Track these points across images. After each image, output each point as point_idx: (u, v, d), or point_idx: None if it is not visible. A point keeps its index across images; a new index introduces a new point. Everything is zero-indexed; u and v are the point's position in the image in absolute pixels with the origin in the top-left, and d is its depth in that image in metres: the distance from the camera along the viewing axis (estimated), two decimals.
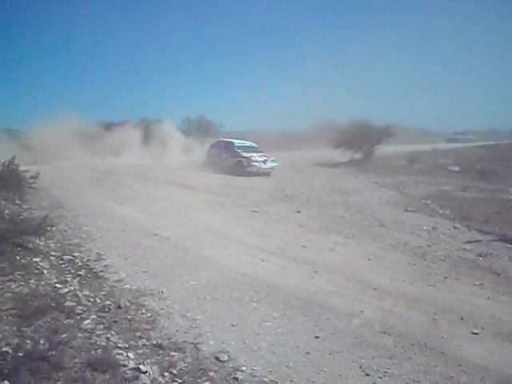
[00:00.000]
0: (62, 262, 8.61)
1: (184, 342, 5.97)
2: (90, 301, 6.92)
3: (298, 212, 15.37)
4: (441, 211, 15.55)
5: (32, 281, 7.39)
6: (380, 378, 5.39)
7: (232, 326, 6.55)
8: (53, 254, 8.97)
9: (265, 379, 5.17)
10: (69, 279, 7.73)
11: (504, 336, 6.65)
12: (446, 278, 9.11)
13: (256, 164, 24.89)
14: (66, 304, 6.56)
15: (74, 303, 6.69)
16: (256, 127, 38.10)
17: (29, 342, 5.28)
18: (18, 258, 8.28)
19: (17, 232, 8.55)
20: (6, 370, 4.56)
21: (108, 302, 6.94)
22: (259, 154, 25.83)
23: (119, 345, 5.65)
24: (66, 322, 6.05)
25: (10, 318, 5.98)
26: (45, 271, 7.92)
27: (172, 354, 5.62)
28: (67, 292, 7.09)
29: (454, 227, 13.23)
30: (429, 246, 11.38)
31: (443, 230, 13.04)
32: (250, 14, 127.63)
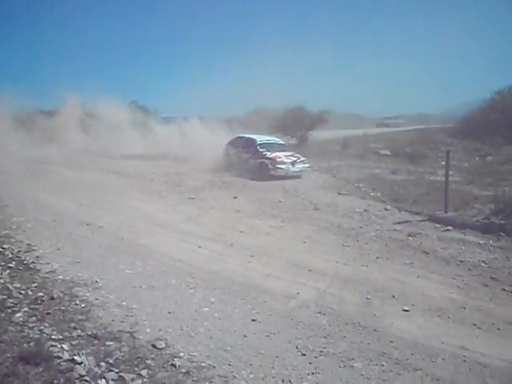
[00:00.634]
0: None
1: (120, 331, 5.89)
2: (21, 293, 6.74)
3: (235, 198, 15.42)
4: (372, 194, 16.00)
5: None
6: (316, 357, 5.50)
7: (169, 313, 6.52)
8: None
9: (202, 364, 5.18)
10: None
11: (433, 312, 6.91)
12: (377, 257, 9.39)
13: (283, 166, 19.84)
14: None
15: (5, 296, 6.51)
16: (198, 113, 37.26)
17: None
18: None
19: None
20: None
21: (40, 294, 6.78)
22: (286, 154, 20.85)
23: (53, 337, 5.51)
24: None
25: None
26: None
27: (108, 343, 5.54)
28: None
29: (385, 209, 13.64)
30: (361, 227, 11.69)
31: (375, 211, 13.43)
32: None
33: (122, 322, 6.17)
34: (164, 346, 5.55)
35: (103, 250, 9.31)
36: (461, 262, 9.10)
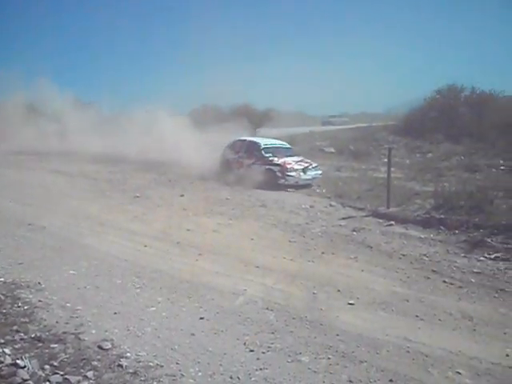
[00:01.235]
0: None
1: (65, 333, 5.77)
2: None
3: (182, 196, 15.33)
4: (318, 190, 16.27)
5: None
6: (263, 353, 5.53)
7: (115, 313, 6.42)
8: None
9: (150, 364, 5.13)
10: None
11: (377, 305, 7.08)
12: (323, 253, 9.53)
13: (293, 174, 16.96)
14: None
15: None
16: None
17: None
18: None
19: None
20: None
21: None
22: (296, 160, 17.97)
23: None
24: None
25: None
26: None
27: (52, 346, 5.41)
28: None
29: (330, 205, 13.87)
30: (307, 223, 11.85)
31: (320, 207, 13.63)
32: None
33: (67, 323, 6.04)
34: (110, 346, 5.47)
35: (46, 251, 9.10)
36: (403, 255, 9.36)
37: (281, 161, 17.47)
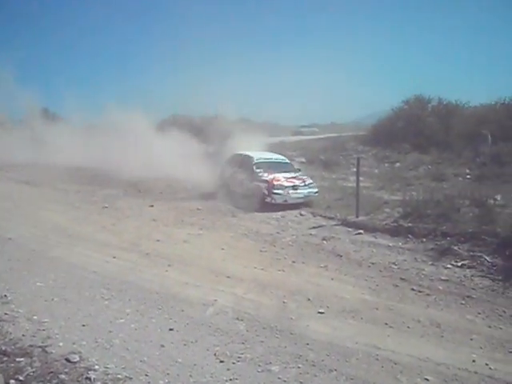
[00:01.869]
0: None
1: (31, 346, 5.66)
2: None
3: (152, 206, 15.23)
4: None
5: None
6: (234, 363, 5.52)
7: (83, 325, 6.33)
8: None
9: (118, 376, 5.07)
10: None
11: (347, 313, 7.13)
12: (293, 262, 9.57)
13: (280, 192, 15.03)
14: None
15: None
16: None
17: None
18: None
19: None
20: None
21: None
22: (288, 176, 15.99)
23: None
24: None
25: None
26: None
27: (18, 359, 5.30)
28: None
29: (301, 214, 13.93)
30: (278, 233, 11.89)
31: (291, 217, 13.68)
32: None
33: (33, 336, 5.94)
34: (78, 359, 5.38)
35: (13, 263, 8.94)
36: (372, 264, 9.45)
37: (270, 177, 15.56)
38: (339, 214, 13.25)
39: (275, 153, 19.09)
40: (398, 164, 23.51)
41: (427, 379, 5.29)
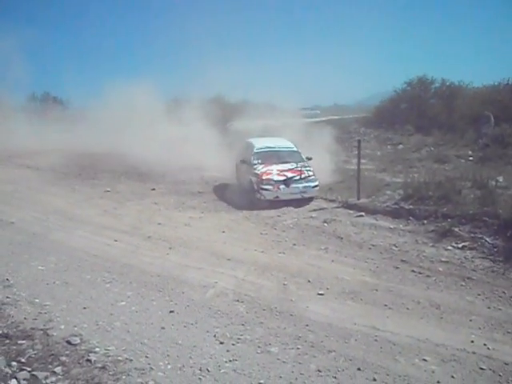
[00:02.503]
0: None
1: (33, 329, 5.73)
2: None
3: (153, 190, 15.23)
4: None
5: None
6: (233, 344, 5.57)
7: (84, 308, 6.39)
8: None
9: (119, 358, 5.13)
10: None
11: (346, 294, 7.16)
12: (294, 244, 9.59)
13: (269, 187, 13.05)
14: None
15: None
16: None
17: None
18: None
19: None
20: None
21: None
22: (284, 168, 13.77)
23: None
24: None
25: None
26: None
27: (20, 342, 5.38)
28: None
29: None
30: (278, 216, 11.88)
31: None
32: None
33: (35, 319, 6.01)
34: (79, 341, 5.45)
35: (14, 247, 9.01)
36: (373, 246, 9.45)
37: (262, 170, 13.67)
38: (340, 196, 13.20)
39: (286, 140, 16.22)
40: (400, 146, 23.41)
41: (425, 360, 5.32)
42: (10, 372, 4.71)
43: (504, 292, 7.28)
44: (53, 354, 5.14)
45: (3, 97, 32.97)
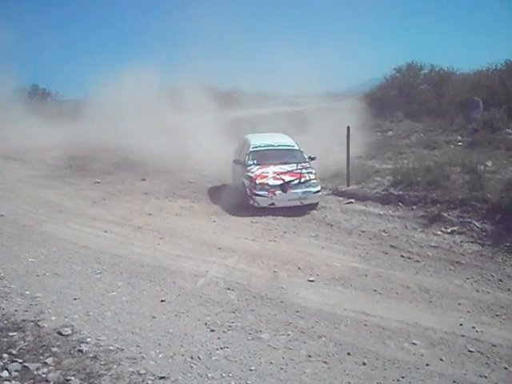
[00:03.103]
0: None
1: (24, 320, 5.72)
2: None
3: (143, 180, 15.18)
4: None
5: None
6: (224, 332, 5.61)
7: (75, 299, 6.39)
8: None
9: (110, 348, 5.14)
10: None
11: (336, 281, 7.23)
12: (285, 232, 9.64)
13: (263, 193, 11.52)
14: None
15: None
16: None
17: None
18: None
19: None
20: None
21: None
22: (282, 170, 12.20)
23: None
24: None
25: None
26: None
27: (11, 334, 5.36)
28: None
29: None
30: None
31: None
32: None
33: (26, 311, 6.00)
34: (70, 332, 5.46)
35: (4, 239, 8.99)
36: (362, 232, 9.53)
37: (257, 172, 12.13)
38: (330, 183, 13.22)
39: (286, 136, 14.66)
40: (390, 132, 23.38)
41: (414, 343, 5.40)
42: (2, 364, 4.71)
43: (492, 275, 7.39)
44: (44, 345, 5.14)
45: None
